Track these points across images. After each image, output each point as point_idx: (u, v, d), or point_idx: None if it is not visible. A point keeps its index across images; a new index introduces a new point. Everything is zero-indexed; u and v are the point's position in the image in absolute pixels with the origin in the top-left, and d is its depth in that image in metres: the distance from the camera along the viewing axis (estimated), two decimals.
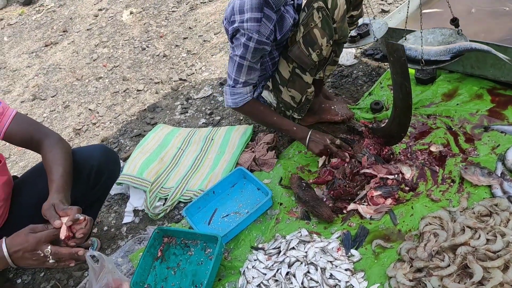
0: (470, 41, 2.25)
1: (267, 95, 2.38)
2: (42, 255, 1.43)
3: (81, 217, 1.50)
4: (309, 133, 2.24)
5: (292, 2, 2.16)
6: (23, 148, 3.45)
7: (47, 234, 1.44)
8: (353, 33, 2.62)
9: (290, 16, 2.13)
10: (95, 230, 2.47)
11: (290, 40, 2.19)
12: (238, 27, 2.03)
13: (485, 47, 2.20)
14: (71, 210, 1.50)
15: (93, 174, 1.95)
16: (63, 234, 1.46)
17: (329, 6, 2.04)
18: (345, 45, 2.63)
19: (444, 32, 2.41)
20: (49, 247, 1.43)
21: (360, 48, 3.04)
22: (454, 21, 2.31)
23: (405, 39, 2.46)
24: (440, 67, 2.40)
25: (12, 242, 1.45)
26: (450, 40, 2.36)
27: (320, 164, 2.32)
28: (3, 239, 1.47)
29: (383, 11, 3.45)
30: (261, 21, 2.00)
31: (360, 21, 2.66)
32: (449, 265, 1.62)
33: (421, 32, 2.26)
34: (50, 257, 1.43)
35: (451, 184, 2.02)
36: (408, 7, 2.35)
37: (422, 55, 2.22)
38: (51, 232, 1.45)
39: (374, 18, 2.68)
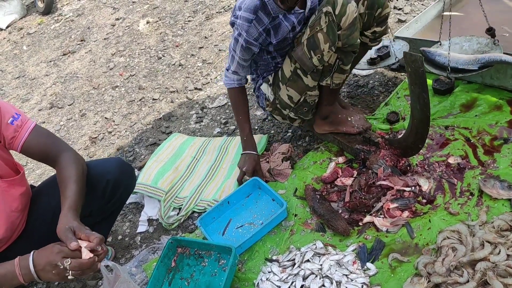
0: (504, 53, 2.21)
1: (265, 89, 2.43)
2: (62, 267, 1.44)
3: (99, 249, 1.51)
4: (245, 153, 2.46)
5: (302, 10, 2.16)
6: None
7: (71, 251, 1.46)
8: (373, 55, 2.61)
9: (288, 24, 2.16)
10: (109, 239, 2.48)
11: (297, 40, 2.22)
12: (233, 21, 2.18)
13: None
14: (94, 238, 1.50)
15: (109, 188, 1.96)
16: (88, 256, 1.47)
17: (337, 13, 2.03)
18: (365, 67, 2.66)
19: (480, 41, 2.37)
20: (69, 259, 1.44)
21: (383, 69, 3.01)
22: (490, 31, 2.26)
23: (440, 44, 2.44)
24: (465, 77, 2.37)
25: (39, 256, 1.47)
26: (485, 50, 2.31)
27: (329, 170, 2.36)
28: (32, 252, 1.49)
29: (399, 21, 3.43)
30: (252, 22, 2.11)
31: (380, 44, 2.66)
32: (468, 281, 1.58)
33: (449, 40, 2.24)
34: (70, 272, 1.44)
35: (470, 197, 1.98)
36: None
37: (449, 63, 2.18)
38: (76, 253, 1.46)
39: (394, 40, 2.67)
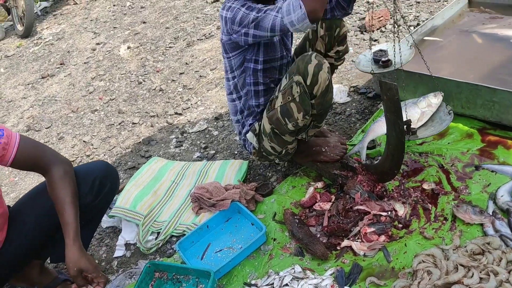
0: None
1: (251, 138, 2.39)
2: None
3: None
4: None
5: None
6: (14, 180, 3.44)
7: None
8: (383, 58, 2.43)
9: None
10: None
11: (270, 104, 2.21)
12: (226, 5, 2.04)
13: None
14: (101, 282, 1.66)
15: (97, 183, 2.00)
16: None
17: (308, 83, 2.04)
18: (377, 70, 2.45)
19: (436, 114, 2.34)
20: None
21: (359, 97, 2.97)
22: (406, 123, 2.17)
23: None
24: None
25: None
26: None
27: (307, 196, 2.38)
28: None
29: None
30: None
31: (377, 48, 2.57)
32: None
33: None
34: None
35: (444, 222, 2.03)
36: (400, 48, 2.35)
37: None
38: None
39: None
